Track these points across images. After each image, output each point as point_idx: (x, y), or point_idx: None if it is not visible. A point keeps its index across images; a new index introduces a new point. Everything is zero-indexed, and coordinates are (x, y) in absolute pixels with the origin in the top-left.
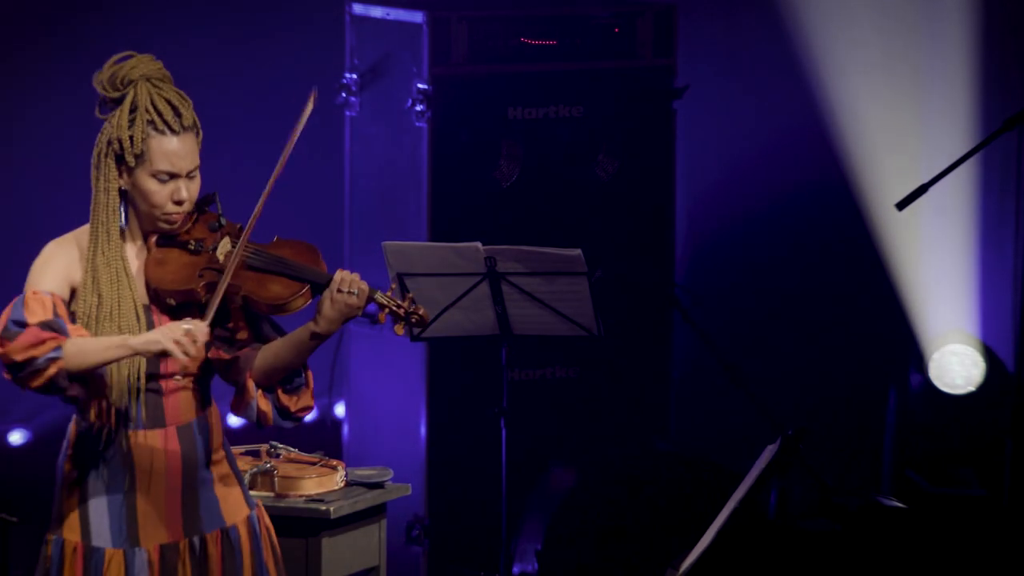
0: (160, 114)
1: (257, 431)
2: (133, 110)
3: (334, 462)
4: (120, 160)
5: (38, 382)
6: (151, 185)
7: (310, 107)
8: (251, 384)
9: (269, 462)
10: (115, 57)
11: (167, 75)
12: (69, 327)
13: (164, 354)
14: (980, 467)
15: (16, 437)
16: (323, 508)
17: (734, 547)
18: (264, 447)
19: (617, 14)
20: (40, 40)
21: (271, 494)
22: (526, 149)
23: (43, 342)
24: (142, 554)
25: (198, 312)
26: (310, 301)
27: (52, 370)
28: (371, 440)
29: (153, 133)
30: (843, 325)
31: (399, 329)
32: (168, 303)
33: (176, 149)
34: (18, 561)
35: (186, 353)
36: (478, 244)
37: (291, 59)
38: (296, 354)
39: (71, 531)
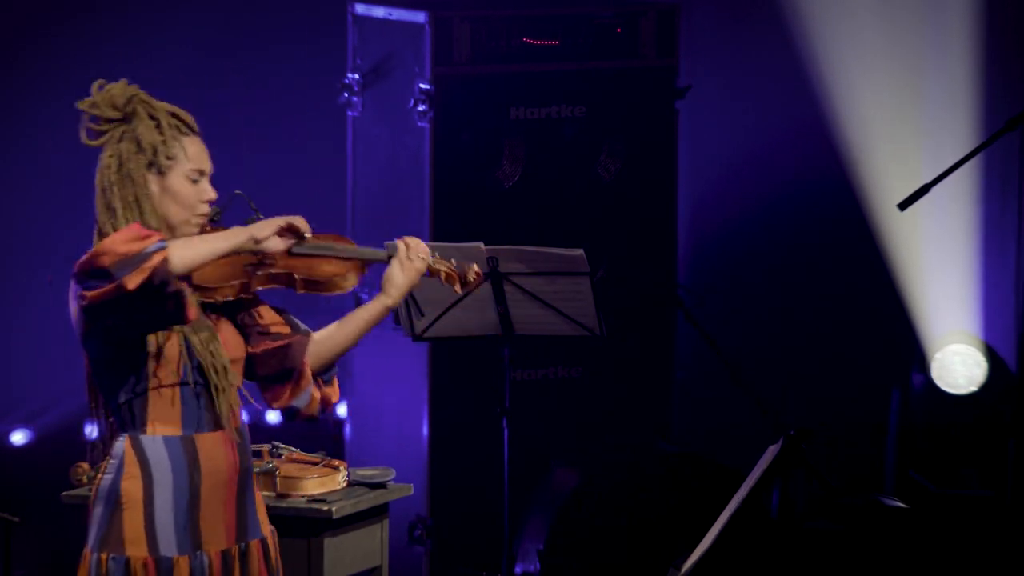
0: (180, 118)
1: (258, 430)
2: (153, 118)
3: (336, 462)
4: (148, 168)
5: (140, 277)
6: (185, 186)
7: None
8: (308, 370)
9: (271, 462)
10: (96, 84)
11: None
12: None
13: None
14: (983, 467)
15: (18, 437)
16: (325, 508)
17: (737, 547)
18: (266, 447)
19: (619, 14)
20: (40, 42)
21: (273, 494)
22: (528, 149)
23: (146, 236)
24: (204, 558)
25: (247, 308)
26: (361, 276)
27: (156, 259)
28: (373, 440)
29: (180, 136)
30: (845, 325)
31: (458, 288)
32: (216, 301)
33: (202, 148)
34: (20, 561)
35: (296, 235)
36: (480, 244)
37: (293, 59)
38: (359, 332)
39: (135, 547)
